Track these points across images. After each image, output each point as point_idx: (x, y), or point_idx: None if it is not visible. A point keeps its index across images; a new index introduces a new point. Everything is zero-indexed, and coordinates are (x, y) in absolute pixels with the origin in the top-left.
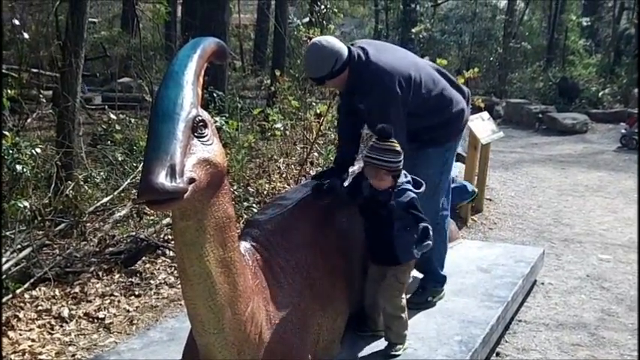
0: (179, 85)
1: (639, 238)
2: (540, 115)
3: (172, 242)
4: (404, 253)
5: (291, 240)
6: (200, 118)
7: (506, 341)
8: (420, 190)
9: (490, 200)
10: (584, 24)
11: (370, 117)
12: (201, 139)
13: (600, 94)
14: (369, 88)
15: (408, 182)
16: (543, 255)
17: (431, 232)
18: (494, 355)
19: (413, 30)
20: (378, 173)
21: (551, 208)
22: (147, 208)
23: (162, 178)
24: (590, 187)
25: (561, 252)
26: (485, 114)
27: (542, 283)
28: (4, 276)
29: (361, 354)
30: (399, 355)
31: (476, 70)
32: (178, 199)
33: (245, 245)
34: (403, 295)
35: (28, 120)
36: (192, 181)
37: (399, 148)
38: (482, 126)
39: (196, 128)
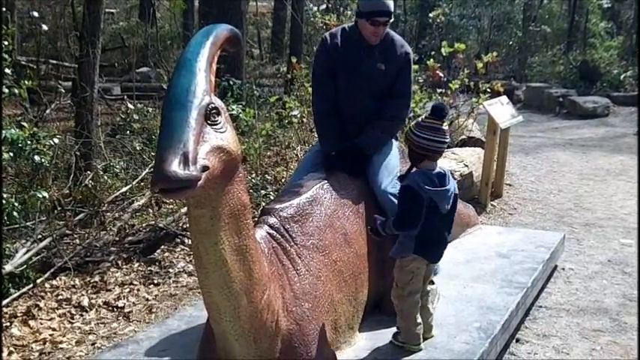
0: (192, 72)
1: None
2: (561, 99)
3: None
4: (395, 247)
5: (308, 225)
6: (213, 105)
7: (527, 327)
8: (439, 188)
9: (510, 185)
10: (605, 6)
11: (390, 80)
12: (214, 127)
13: (622, 77)
14: (399, 48)
15: (421, 173)
16: (564, 240)
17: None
18: (514, 341)
19: (431, 14)
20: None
21: (572, 193)
22: None
23: (175, 167)
24: (611, 171)
25: (582, 237)
26: (504, 98)
27: (563, 269)
28: (24, 266)
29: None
30: (398, 346)
31: (495, 54)
32: (192, 188)
33: (261, 233)
34: (406, 298)
35: (47, 111)
36: (205, 169)
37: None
38: (501, 110)
39: (209, 116)
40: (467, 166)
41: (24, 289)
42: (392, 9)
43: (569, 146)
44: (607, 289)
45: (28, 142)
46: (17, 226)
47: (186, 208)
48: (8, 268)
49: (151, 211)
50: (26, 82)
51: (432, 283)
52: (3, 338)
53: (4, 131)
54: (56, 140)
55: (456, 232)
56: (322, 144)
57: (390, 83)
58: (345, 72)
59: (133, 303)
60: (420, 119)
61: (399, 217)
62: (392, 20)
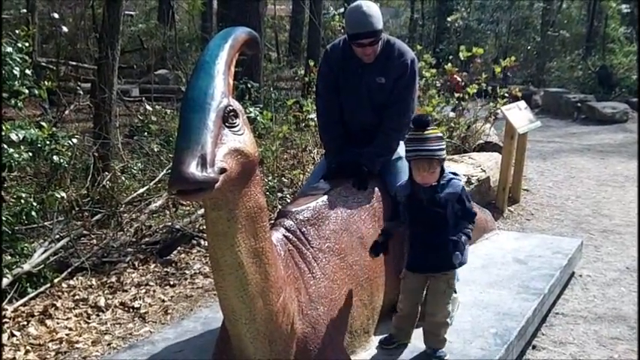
0: (210, 75)
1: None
2: (579, 105)
3: None
4: (459, 255)
5: (325, 228)
6: (231, 107)
7: (543, 334)
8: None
9: (527, 191)
10: (625, 11)
11: (391, 93)
12: (232, 129)
13: None
14: (398, 58)
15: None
16: (581, 246)
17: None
18: (531, 347)
19: (449, 19)
20: (432, 165)
21: (590, 199)
22: None
23: (193, 168)
24: (630, 177)
25: (600, 243)
26: (522, 103)
27: (581, 275)
28: (42, 266)
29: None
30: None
31: (513, 59)
32: (209, 189)
33: (277, 235)
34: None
35: (66, 112)
36: (223, 171)
37: (440, 133)
38: (519, 115)
39: (227, 118)
40: (484, 170)
41: (41, 289)
42: (377, 27)
43: (587, 152)
44: (625, 296)
45: (47, 143)
46: (35, 225)
47: (202, 209)
48: (26, 267)
49: (167, 212)
50: (46, 83)
51: (455, 292)
52: (20, 337)
53: (23, 131)
54: (75, 141)
55: (473, 237)
56: (325, 155)
57: (401, 95)
58: (346, 88)
59: (149, 304)
60: (409, 134)
61: (473, 222)
62: (380, 38)
